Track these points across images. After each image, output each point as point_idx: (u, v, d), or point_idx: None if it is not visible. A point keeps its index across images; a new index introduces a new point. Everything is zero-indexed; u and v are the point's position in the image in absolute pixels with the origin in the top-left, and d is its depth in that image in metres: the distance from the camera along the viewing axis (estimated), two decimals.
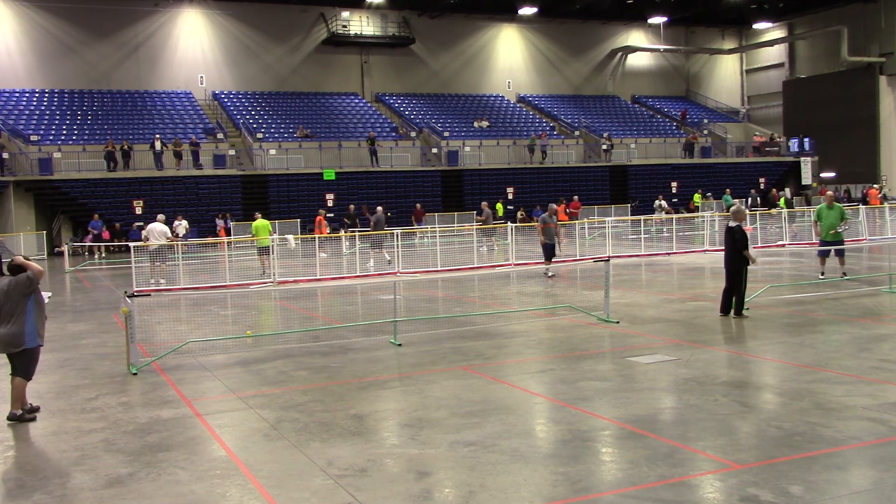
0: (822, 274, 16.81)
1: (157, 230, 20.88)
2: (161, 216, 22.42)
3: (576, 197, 40.78)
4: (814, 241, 22.17)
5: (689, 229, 30.27)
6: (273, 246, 20.93)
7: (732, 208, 13.61)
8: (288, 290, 18.59)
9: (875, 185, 43.41)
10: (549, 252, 19.46)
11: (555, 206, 20.74)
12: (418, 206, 37.95)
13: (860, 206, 29.12)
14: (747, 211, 22.33)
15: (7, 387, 8.38)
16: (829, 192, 19.52)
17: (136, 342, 10.66)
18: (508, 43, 52.97)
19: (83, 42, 42.59)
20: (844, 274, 16.72)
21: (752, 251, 12.94)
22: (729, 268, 12.70)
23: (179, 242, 22.73)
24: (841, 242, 17.10)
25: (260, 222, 22.39)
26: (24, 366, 8.09)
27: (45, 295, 8.76)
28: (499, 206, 40.17)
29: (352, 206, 33.62)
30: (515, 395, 8.56)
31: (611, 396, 8.31)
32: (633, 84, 57.23)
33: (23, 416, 8.08)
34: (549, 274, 19.37)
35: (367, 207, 31.85)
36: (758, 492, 5.62)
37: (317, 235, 25.33)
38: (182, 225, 29.46)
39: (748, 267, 12.68)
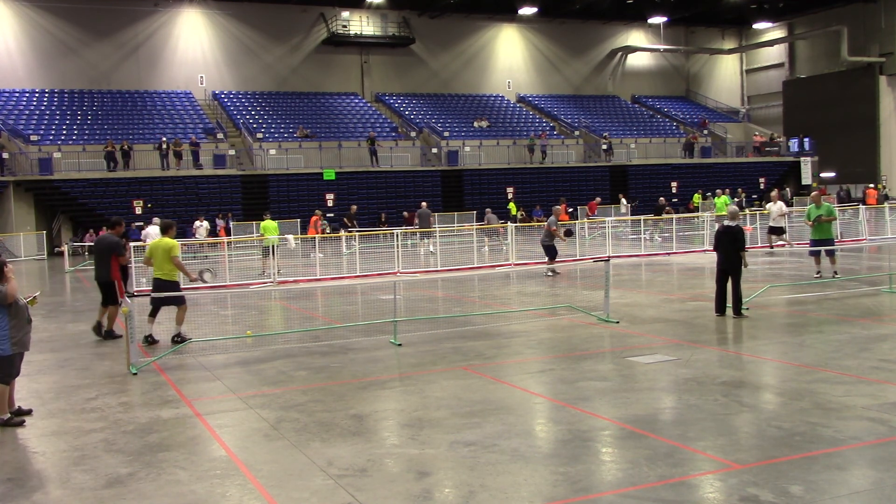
0: (818, 273, 16.83)
1: (154, 233, 21.32)
2: (156, 219, 23.06)
3: (598, 199, 40.64)
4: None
5: (688, 229, 30.27)
6: (273, 246, 20.99)
7: (729, 208, 13.62)
8: (288, 290, 18.60)
9: (872, 186, 43.36)
10: (552, 252, 19.97)
11: (559, 207, 21.73)
12: (405, 214, 36.64)
13: (860, 206, 29.11)
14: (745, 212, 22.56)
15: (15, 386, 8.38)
16: (815, 193, 19.61)
17: (137, 342, 10.66)
18: (508, 43, 52.98)
19: (83, 42, 42.60)
20: (836, 273, 16.74)
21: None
22: (724, 267, 12.65)
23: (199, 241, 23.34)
24: (831, 242, 17.10)
25: (266, 223, 23.12)
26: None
27: (34, 294, 8.75)
28: (511, 205, 40.17)
29: (354, 207, 33.56)
30: (515, 395, 8.56)
31: (611, 396, 8.31)
32: (633, 84, 57.24)
33: (10, 419, 8.02)
34: (549, 273, 19.56)
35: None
36: (758, 492, 5.62)
37: (311, 236, 25.70)
38: (203, 226, 29.21)
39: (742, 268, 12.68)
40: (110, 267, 12.50)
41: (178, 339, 11.86)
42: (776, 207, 23.22)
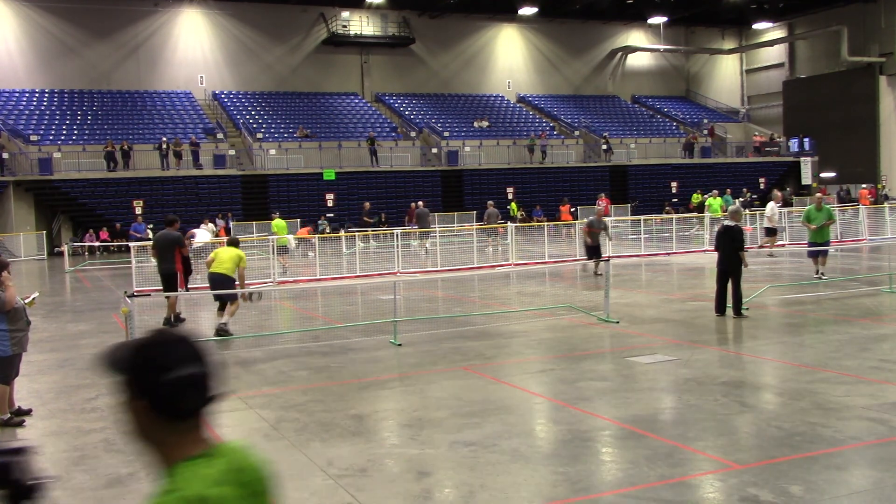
0: (818, 274, 16.83)
1: (203, 236, 22.67)
2: (208, 221, 24.89)
3: (602, 194, 40.50)
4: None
5: (688, 229, 30.26)
6: (273, 246, 21.06)
7: (731, 208, 13.62)
8: (288, 290, 18.59)
9: (864, 186, 43.27)
10: (595, 253, 19.74)
11: (600, 207, 23.07)
12: (413, 205, 36.84)
13: (860, 206, 29.10)
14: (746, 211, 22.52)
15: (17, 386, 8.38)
16: (818, 195, 19.60)
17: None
18: (508, 43, 52.95)
19: (83, 42, 42.56)
20: (822, 274, 16.64)
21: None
22: (724, 267, 12.65)
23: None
24: (827, 243, 17.15)
25: (277, 221, 24.18)
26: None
27: (33, 295, 8.78)
28: (513, 205, 40.11)
29: (367, 204, 33.31)
30: (515, 395, 8.55)
31: (611, 396, 8.30)
32: (633, 84, 57.18)
33: (10, 419, 8.03)
34: (599, 273, 19.61)
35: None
36: (758, 492, 5.61)
37: (303, 236, 26.26)
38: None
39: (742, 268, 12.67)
40: (174, 260, 13.75)
41: (224, 329, 12.27)
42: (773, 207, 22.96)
